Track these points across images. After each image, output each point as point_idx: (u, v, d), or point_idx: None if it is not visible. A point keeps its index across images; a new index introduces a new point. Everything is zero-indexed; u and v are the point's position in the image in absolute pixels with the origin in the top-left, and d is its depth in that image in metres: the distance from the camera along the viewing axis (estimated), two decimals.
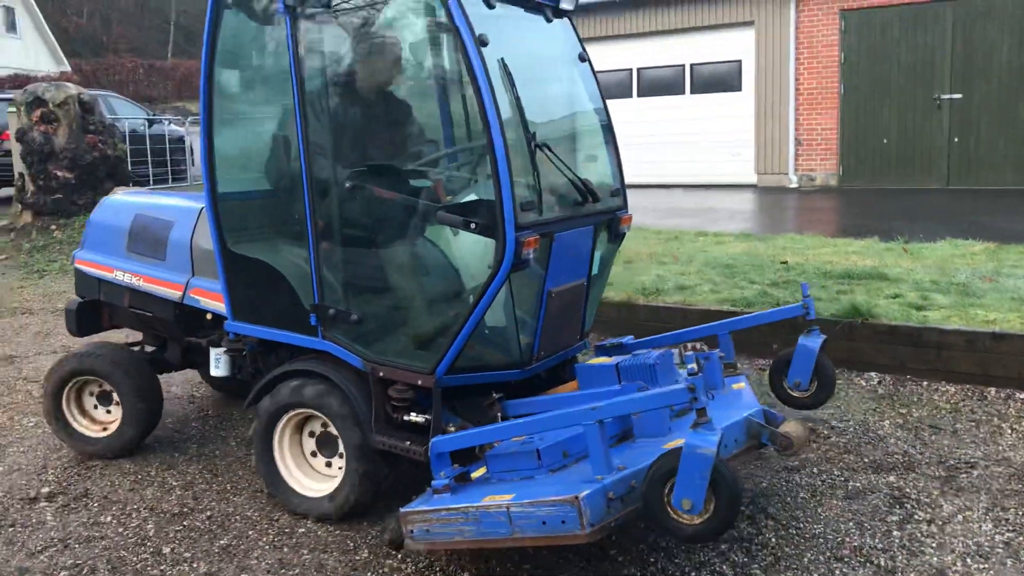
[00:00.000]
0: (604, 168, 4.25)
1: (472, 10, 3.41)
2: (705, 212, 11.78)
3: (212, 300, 4.26)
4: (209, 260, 4.19)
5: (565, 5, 4.04)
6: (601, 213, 3.97)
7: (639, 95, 16.20)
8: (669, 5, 15.35)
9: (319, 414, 3.81)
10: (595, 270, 4.05)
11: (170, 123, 16.64)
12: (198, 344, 4.54)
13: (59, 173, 10.38)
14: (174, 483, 4.26)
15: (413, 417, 3.63)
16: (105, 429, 4.64)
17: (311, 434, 3.94)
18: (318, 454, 3.94)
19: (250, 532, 3.77)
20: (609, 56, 16.49)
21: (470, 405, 3.74)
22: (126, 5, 61.78)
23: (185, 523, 3.87)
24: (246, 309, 4.08)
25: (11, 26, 34.90)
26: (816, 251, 7.81)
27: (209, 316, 4.38)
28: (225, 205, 4.02)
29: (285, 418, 3.89)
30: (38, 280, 8.87)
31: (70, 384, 4.62)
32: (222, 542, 3.69)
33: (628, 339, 4.42)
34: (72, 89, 10.75)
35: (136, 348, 4.95)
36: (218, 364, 4.39)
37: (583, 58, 4.18)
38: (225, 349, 4.33)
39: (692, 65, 15.55)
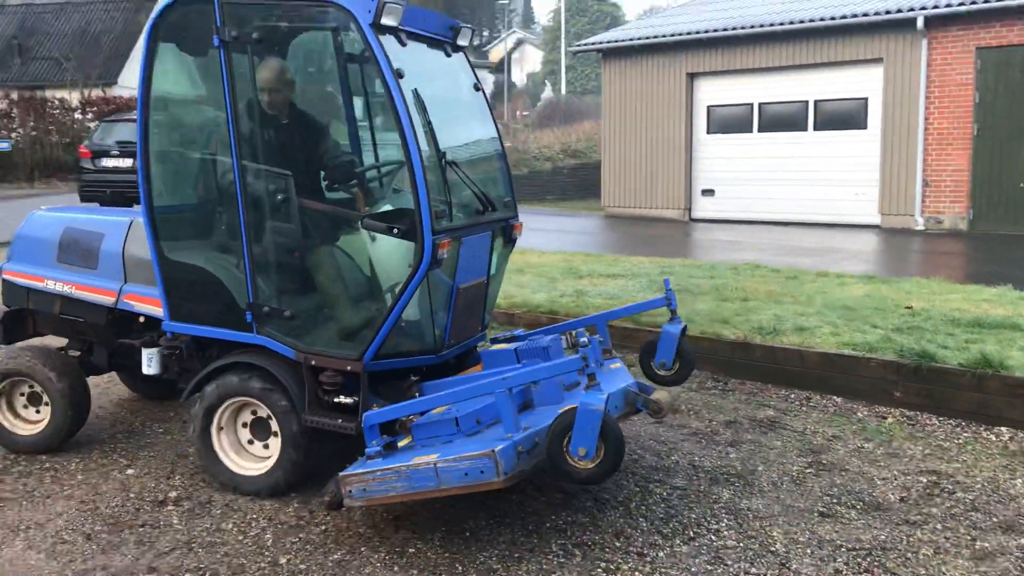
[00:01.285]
0: (498, 182, 4.92)
1: (388, 47, 4.00)
2: (826, 252, 11.48)
3: (146, 304, 4.75)
4: (141, 267, 4.71)
5: (461, 41, 4.68)
6: (497, 221, 4.62)
7: (759, 130, 15.97)
8: (794, 40, 15.11)
9: (256, 401, 4.32)
10: (493, 270, 4.71)
11: None
12: (129, 346, 4.94)
13: None
14: (291, 495, 4.39)
15: (342, 399, 4.19)
16: (35, 426, 4.98)
17: (244, 424, 4.45)
18: (254, 440, 4.45)
19: (363, 548, 3.86)
20: (729, 90, 16.35)
21: (391, 388, 4.31)
22: None
23: (301, 535, 3.99)
24: (183, 310, 4.55)
25: None
26: (943, 297, 7.51)
27: (142, 319, 4.84)
28: (162, 217, 4.51)
29: (223, 406, 4.39)
30: None
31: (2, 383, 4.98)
32: (336, 556, 3.79)
33: (520, 332, 5.04)
34: None
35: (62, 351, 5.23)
36: (150, 363, 4.79)
37: (477, 87, 4.85)
38: (159, 349, 4.75)
39: (816, 101, 15.25)
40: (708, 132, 16.74)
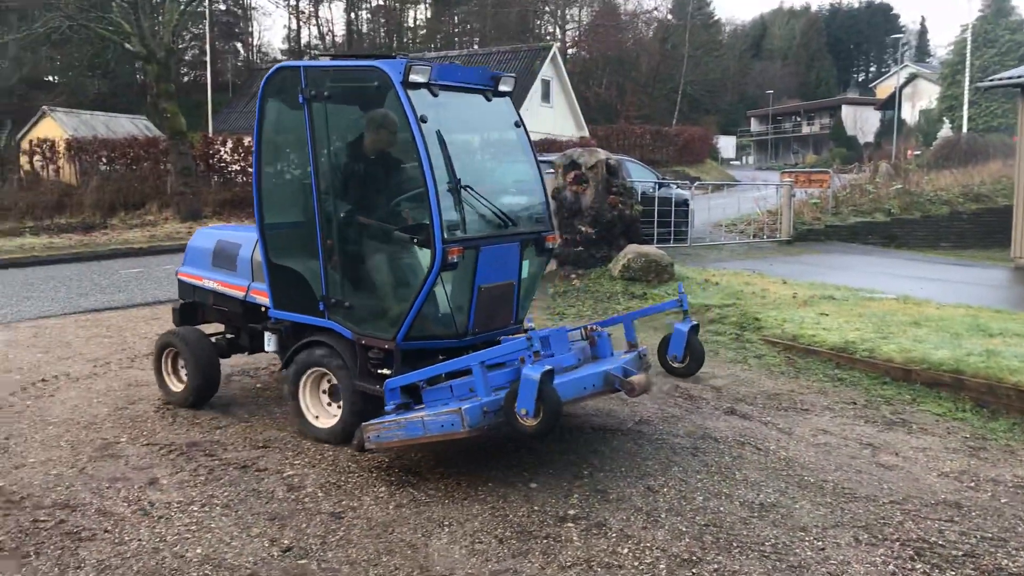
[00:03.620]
0: (534, 203, 5.99)
1: (419, 98, 5.15)
2: None
3: (263, 297, 6.20)
4: (262, 270, 6.05)
5: (503, 87, 5.81)
6: (525, 234, 5.73)
7: None
8: None
9: (326, 370, 5.65)
10: (524, 274, 5.82)
11: (676, 187, 17.67)
12: (256, 329, 6.43)
13: (583, 228, 11.60)
14: (682, 528, 4.49)
15: (383, 370, 5.42)
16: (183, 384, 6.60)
17: (324, 390, 5.80)
18: (331, 402, 5.76)
19: None
20: None
21: (425, 363, 5.31)
22: (639, 76, 66.79)
23: (693, 571, 4.06)
24: (282, 301, 5.97)
25: (545, 96, 39.72)
26: None
27: (264, 308, 6.24)
28: (269, 232, 5.96)
29: (306, 374, 5.77)
30: (559, 322, 9.95)
31: (165, 352, 6.63)
32: None
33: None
34: (601, 154, 11.95)
35: (217, 335, 6.79)
36: (270, 343, 6.30)
37: (518, 124, 6.01)
38: (272, 331, 6.19)
39: None
40: None
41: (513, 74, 5.99)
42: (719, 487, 5.15)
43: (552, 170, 13.11)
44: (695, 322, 5.86)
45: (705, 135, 55.39)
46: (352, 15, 71.85)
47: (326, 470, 5.30)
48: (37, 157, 29.70)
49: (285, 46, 70.63)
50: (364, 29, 74.73)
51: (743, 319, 9.26)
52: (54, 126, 34.42)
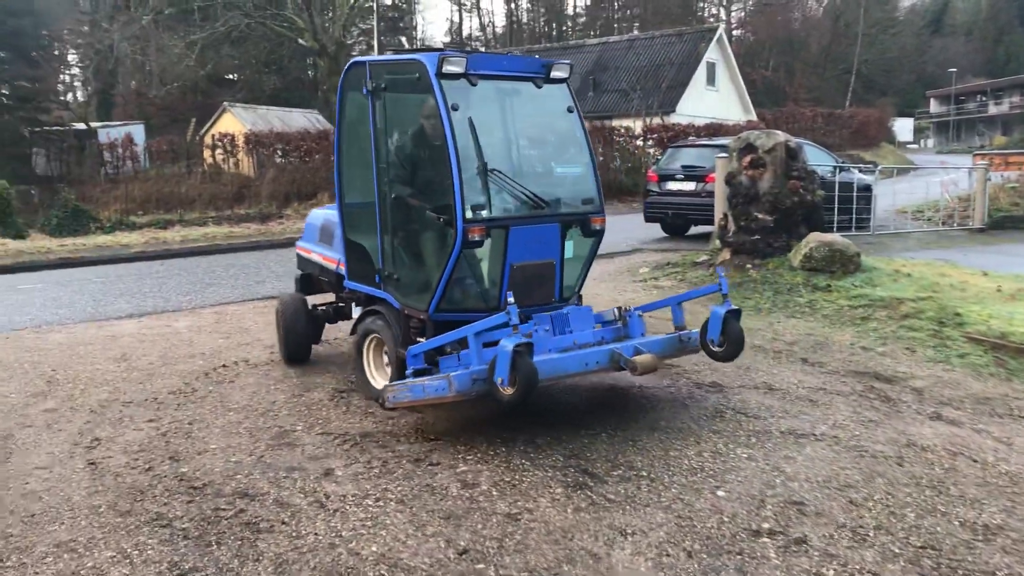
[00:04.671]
0: (582, 186, 6.23)
1: (456, 88, 5.53)
2: None
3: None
4: None
5: (556, 74, 6.07)
6: (567, 215, 5.98)
7: None
8: None
9: (380, 336, 6.12)
10: (569, 254, 6.03)
11: (859, 171, 16.59)
12: (345, 298, 7.16)
13: (760, 216, 10.96)
14: (895, 549, 4.00)
15: (420, 339, 5.79)
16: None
17: (386, 353, 6.15)
18: (389, 364, 6.09)
19: None
20: None
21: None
22: (809, 56, 63.97)
23: None
24: (353, 273, 6.60)
25: (711, 80, 38.57)
26: None
27: None
28: (346, 211, 6.55)
29: (367, 339, 6.29)
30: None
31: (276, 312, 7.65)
32: None
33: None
34: (780, 136, 11.25)
35: (324, 305, 7.49)
36: (355, 310, 6.89)
37: (571, 110, 6.20)
38: (355, 300, 6.87)
39: None
40: None
41: (568, 61, 6.19)
42: (933, 503, 4.60)
43: (725, 154, 12.52)
44: (734, 306, 5.83)
45: (881, 117, 52.39)
46: (512, 5, 72.25)
47: (499, 467, 5.09)
48: (219, 151, 31.36)
49: (447, 38, 71.92)
50: (524, 18, 75.09)
51: (941, 314, 8.45)
52: (234, 121, 36.30)
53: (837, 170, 15.39)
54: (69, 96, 53.19)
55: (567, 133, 6.33)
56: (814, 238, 10.44)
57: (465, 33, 72.15)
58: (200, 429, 5.88)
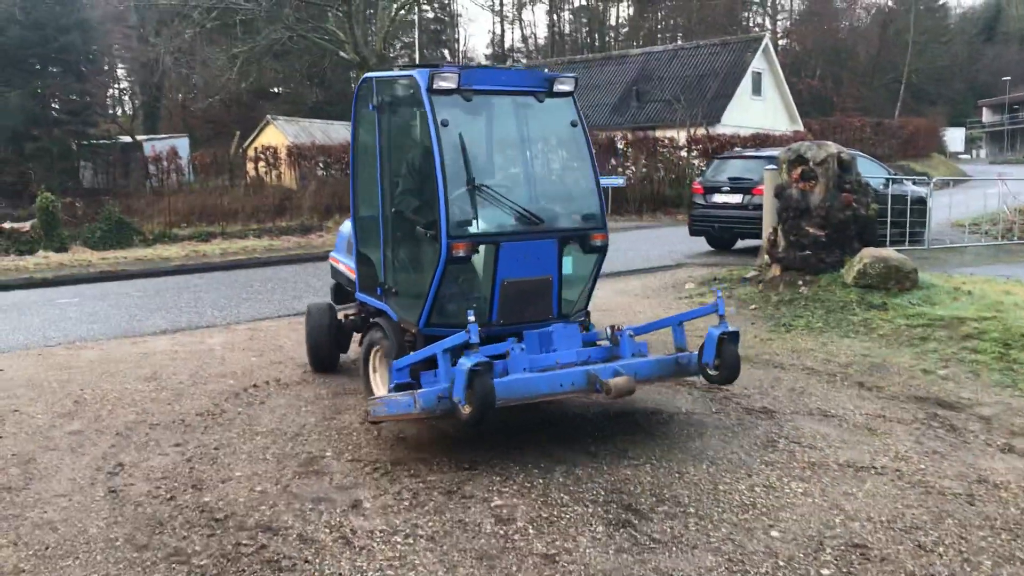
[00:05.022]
0: (583, 201, 6.07)
1: (450, 103, 5.50)
2: None
3: None
4: None
5: (560, 88, 5.91)
6: (565, 231, 5.83)
7: None
8: None
9: (380, 348, 6.11)
10: (569, 270, 5.87)
11: (912, 183, 16.05)
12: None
13: (811, 230, 10.53)
14: None
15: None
16: None
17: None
18: None
19: None
20: None
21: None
22: (856, 65, 62.95)
23: None
24: (363, 286, 6.63)
25: (756, 89, 37.99)
26: None
27: None
28: (359, 224, 6.63)
29: (372, 350, 6.24)
30: (784, 334, 9.03)
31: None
32: None
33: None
34: (832, 147, 10.82)
35: (353, 314, 7.31)
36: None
37: (575, 124, 6.02)
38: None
39: None
40: None
41: (573, 75, 6.09)
42: (1010, 549, 4.21)
43: (774, 166, 12.11)
44: (731, 328, 5.62)
45: (931, 127, 51.23)
46: (554, 16, 72.19)
47: (536, 501, 4.79)
48: (261, 163, 31.51)
49: (489, 51, 72.02)
50: (566, 29, 74.97)
51: (1007, 335, 7.98)
52: (276, 133, 36.53)
53: (889, 182, 14.86)
54: (118, 110, 54.13)
55: (570, 147, 6.25)
56: (868, 253, 9.99)
57: (507, 45, 72.15)
58: (226, 455, 5.65)
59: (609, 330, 5.94)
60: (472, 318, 4.85)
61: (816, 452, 5.53)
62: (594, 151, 6.17)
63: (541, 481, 5.06)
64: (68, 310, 11.99)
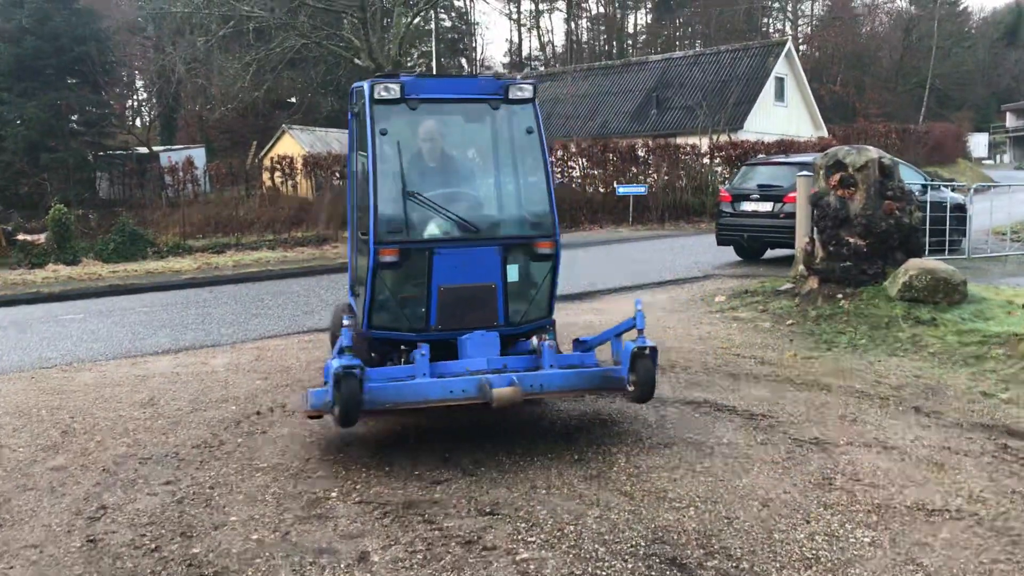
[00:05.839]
0: (533, 209, 6.06)
1: (394, 113, 5.74)
2: None
3: None
4: None
5: (515, 94, 5.93)
6: (507, 238, 5.90)
7: None
8: None
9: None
10: (514, 277, 5.89)
11: (952, 190, 15.36)
12: None
13: (851, 240, 9.90)
14: None
15: (372, 354, 5.86)
16: None
17: None
18: None
19: None
20: None
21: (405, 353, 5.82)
22: (879, 70, 62.10)
23: None
24: (351, 290, 6.70)
25: (779, 95, 37.30)
26: None
27: None
28: (353, 230, 6.60)
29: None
30: (826, 352, 8.41)
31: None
32: None
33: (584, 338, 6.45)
34: (872, 152, 10.19)
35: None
36: None
37: (531, 131, 6.02)
38: None
39: None
40: None
41: (532, 81, 6.11)
42: None
43: (807, 172, 11.49)
44: (648, 342, 5.45)
45: (957, 133, 50.30)
46: (572, 24, 71.73)
47: (568, 554, 4.20)
48: (277, 173, 31.12)
49: (507, 59, 71.63)
50: (584, 37, 74.49)
51: None
52: (292, 143, 36.18)
53: (927, 188, 14.20)
54: (136, 121, 54.02)
55: (525, 155, 6.19)
56: (914, 265, 9.35)
57: (524, 53, 71.72)
58: (221, 495, 5.10)
59: (535, 340, 5.90)
60: (347, 322, 5.09)
61: (879, 492, 4.92)
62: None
63: (572, 529, 4.47)
64: (70, 327, 11.51)
